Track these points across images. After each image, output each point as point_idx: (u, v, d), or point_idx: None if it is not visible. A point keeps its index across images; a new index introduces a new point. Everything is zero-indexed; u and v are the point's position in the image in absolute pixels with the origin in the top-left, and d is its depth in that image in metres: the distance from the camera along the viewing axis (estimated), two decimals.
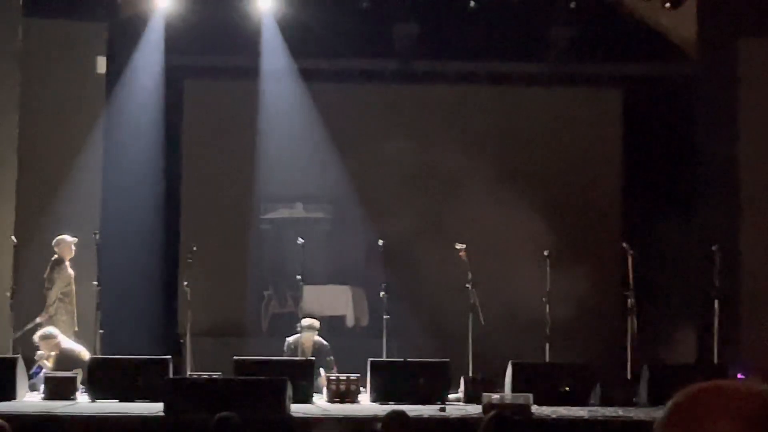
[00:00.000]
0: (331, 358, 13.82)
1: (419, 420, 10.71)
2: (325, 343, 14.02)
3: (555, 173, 16.26)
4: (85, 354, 13.36)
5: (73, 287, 13.89)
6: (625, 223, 16.09)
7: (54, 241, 13.86)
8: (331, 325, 15.62)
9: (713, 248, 13.66)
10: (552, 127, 16.52)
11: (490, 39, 16.11)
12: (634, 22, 16.22)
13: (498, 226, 15.74)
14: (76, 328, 13.85)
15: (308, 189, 16.67)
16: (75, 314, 13.90)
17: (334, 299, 16.43)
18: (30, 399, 12.74)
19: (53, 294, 13.77)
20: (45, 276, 13.81)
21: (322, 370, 13.33)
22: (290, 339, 13.98)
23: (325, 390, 12.89)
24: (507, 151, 16.34)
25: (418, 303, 15.32)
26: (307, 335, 13.85)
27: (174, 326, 15.57)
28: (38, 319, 13.73)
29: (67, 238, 13.89)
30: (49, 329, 13.45)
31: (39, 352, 13.39)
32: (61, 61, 15.31)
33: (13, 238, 13.90)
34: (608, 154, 16.79)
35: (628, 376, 13.30)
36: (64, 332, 13.68)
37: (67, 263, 13.90)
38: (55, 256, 13.86)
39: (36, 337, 13.37)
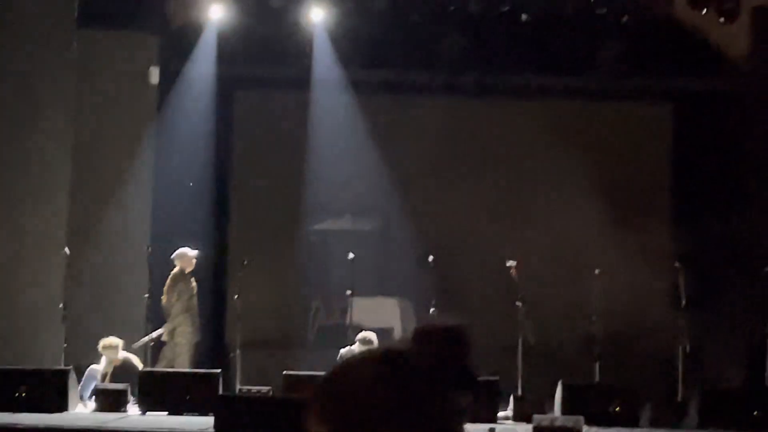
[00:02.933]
0: None
1: None
2: None
3: (605, 188, 16.04)
4: (140, 366, 13.44)
5: (196, 299, 14.14)
6: (677, 240, 15.84)
7: (175, 254, 14.11)
8: (378, 338, 15.49)
9: (766, 269, 13.49)
10: (602, 142, 16.35)
11: (541, 52, 15.98)
12: (687, 36, 16.04)
13: (549, 241, 15.62)
14: (198, 339, 14.13)
15: (358, 201, 16.57)
16: (198, 325, 14.17)
17: (382, 311, 16.28)
18: (81, 411, 12.80)
19: (179, 306, 14.02)
20: (165, 289, 14.02)
21: None
22: (344, 351, 13.73)
23: None
24: (556, 165, 16.14)
25: (468, 317, 15.11)
26: (363, 349, 13.71)
27: (223, 339, 15.56)
28: (161, 330, 13.96)
29: (189, 251, 14.15)
30: (114, 339, 13.48)
31: (103, 358, 13.41)
32: (115, 72, 15.35)
33: (66, 250, 13.94)
34: (658, 169, 16.62)
35: (679, 398, 13.17)
36: (188, 342, 14.01)
37: (190, 276, 14.15)
38: (176, 269, 14.10)
39: (100, 346, 13.41)
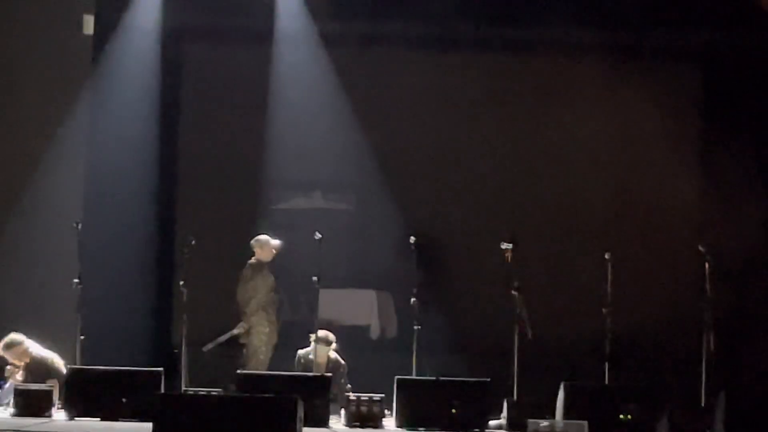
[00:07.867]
0: (346, 381, 13.94)
1: None
2: (342, 362, 14.09)
3: (622, 159, 16.14)
4: (59, 363, 13.45)
5: (275, 295, 14.52)
6: (703, 221, 15.86)
7: (254, 240, 14.48)
8: (352, 337, 15.57)
9: None
10: (620, 108, 16.33)
11: (549, 2, 15.93)
12: None
13: (551, 220, 15.71)
14: (276, 341, 14.47)
15: (328, 175, 16.65)
16: (277, 325, 14.54)
17: (355, 306, 16.48)
18: None
19: (255, 303, 14.41)
20: (243, 282, 14.41)
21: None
22: (302, 352, 14.07)
23: (343, 412, 12.88)
24: (564, 132, 16.22)
25: (455, 311, 15.27)
26: (321, 350, 13.89)
27: (167, 334, 15.56)
28: (235, 331, 14.35)
29: (270, 239, 14.47)
30: (14, 335, 13.49)
31: (8, 366, 13.46)
32: (42, 20, 15.30)
33: None
34: (686, 138, 16.55)
35: (702, 403, 13.19)
36: (264, 345, 14.41)
37: (269, 268, 14.50)
38: (254, 259, 14.50)
39: (0, 346, 13.45)
